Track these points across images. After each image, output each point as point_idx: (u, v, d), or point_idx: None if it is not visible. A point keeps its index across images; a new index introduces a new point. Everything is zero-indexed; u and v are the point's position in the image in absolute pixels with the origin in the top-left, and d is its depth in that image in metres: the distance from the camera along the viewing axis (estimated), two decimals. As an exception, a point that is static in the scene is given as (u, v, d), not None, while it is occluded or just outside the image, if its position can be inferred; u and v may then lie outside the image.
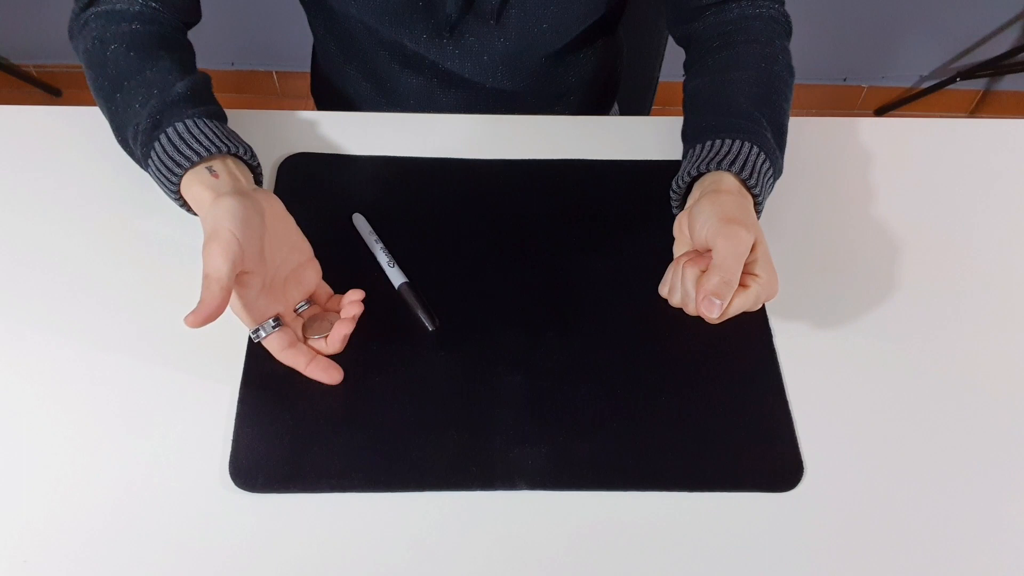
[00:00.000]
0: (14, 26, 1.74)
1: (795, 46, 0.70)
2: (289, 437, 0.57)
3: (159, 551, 0.52)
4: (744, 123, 0.62)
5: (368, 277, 0.64)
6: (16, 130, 0.73)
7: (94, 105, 0.66)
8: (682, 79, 0.71)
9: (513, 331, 0.62)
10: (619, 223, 0.69)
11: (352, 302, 0.58)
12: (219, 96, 0.64)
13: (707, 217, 0.55)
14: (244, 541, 0.53)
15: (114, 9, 0.64)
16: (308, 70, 0.98)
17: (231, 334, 0.61)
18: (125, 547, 0.52)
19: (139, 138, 0.59)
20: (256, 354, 0.59)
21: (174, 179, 0.57)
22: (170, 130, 0.58)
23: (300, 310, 0.59)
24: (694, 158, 0.61)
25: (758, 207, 0.60)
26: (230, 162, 0.59)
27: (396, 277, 0.64)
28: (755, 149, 0.60)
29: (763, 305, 0.61)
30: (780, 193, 0.70)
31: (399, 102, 0.84)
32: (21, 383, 0.58)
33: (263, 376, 0.59)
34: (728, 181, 0.58)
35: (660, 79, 1.07)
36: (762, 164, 0.60)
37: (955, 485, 0.57)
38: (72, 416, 0.57)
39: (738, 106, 0.63)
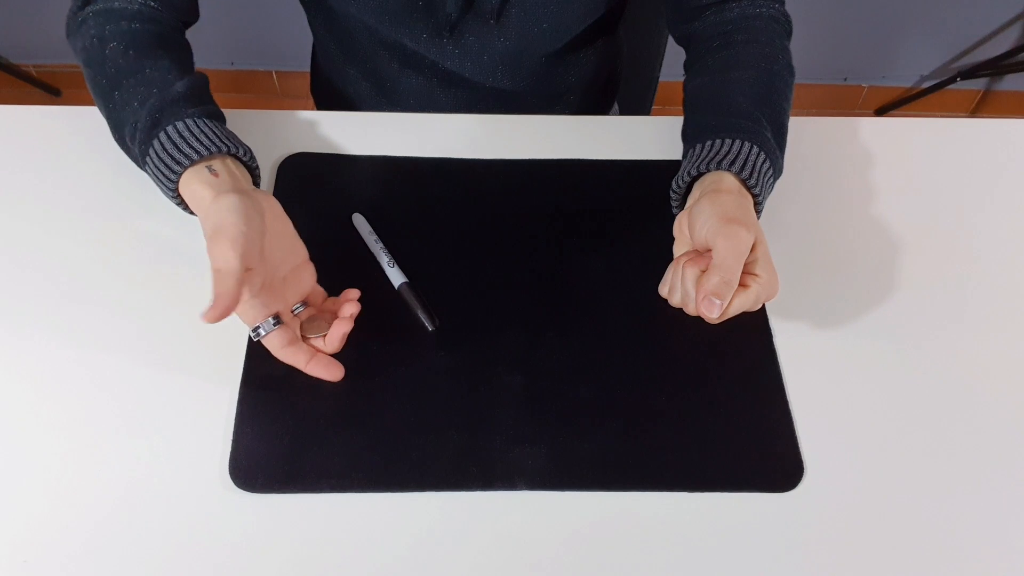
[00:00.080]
0: (13, 26, 1.74)
1: (795, 46, 0.70)
2: (289, 437, 0.57)
3: (159, 551, 0.52)
4: (744, 123, 0.61)
5: (368, 277, 0.64)
6: (15, 130, 0.73)
7: (94, 105, 0.66)
8: (682, 79, 0.71)
9: (513, 331, 0.62)
10: (619, 223, 0.69)
11: (349, 301, 0.58)
12: (218, 96, 0.64)
13: (707, 217, 0.55)
14: (244, 541, 0.53)
15: (113, 7, 0.64)
16: (308, 70, 0.98)
17: (231, 334, 0.61)
18: (125, 547, 0.52)
19: (137, 136, 0.59)
20: (256, 354, 0.59)
21: (173, 176, 0.57)
22: (170, 128, 0.58)
23: (296, 312, 0.59)
24: (694, 158, 0.61)
25: (758, 207, 0.60)
26: (230, 162, 0.59)
27: (396, 277, 0.64)
28: (755, 149, 0.60)
29: (763, 305, 0.61)
30: (780, 193, 0.70)
31: (399, 102, 0.84)
32: (20, 383, 0.58)
33: (263, 376, 0.59)
34: (728, 181, 0.58)
35: (660, 79, 1.07)
36: (762, 164, 0.59)
37: (955, 485, 0.57)
38: (72, 416, 0.57)
39: (738, 106, 0.63)
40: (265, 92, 1.90)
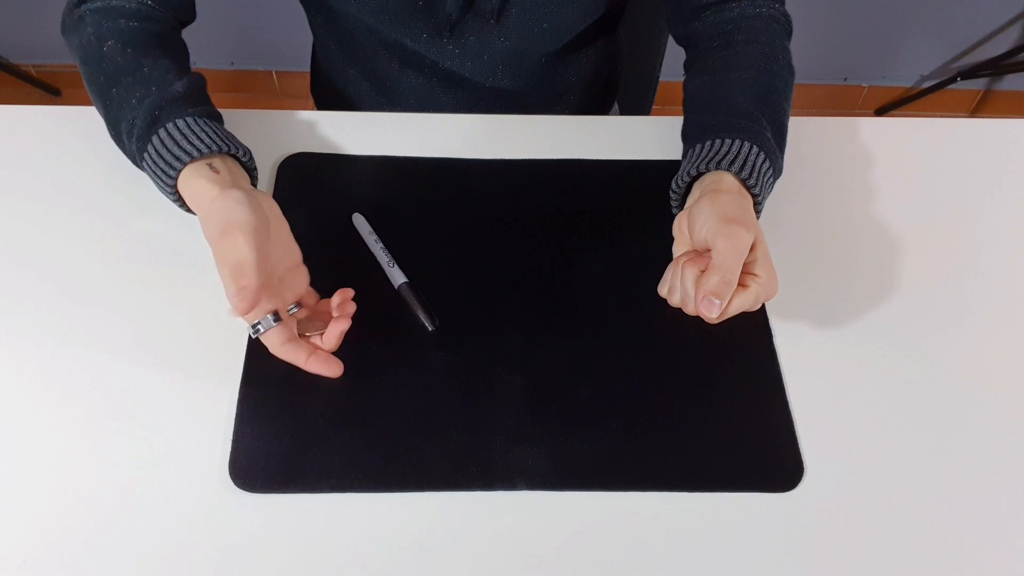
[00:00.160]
0: (13, 26, 1.74)
1: (795, 46, 0.70)
2: (289, 437, 0.57)
3: (159, 551, 0.52)
4: (744, 123, 0.61)
5: (368, 277, 0.64)
6: (15, 130, 0.73)
7: (94, 105, 0.66)
8: (682, 79, 0.71)
9: (513, 331, 0.62)
10: (619, 223, 0.69)
11: (345, 300, 0.58)
12: (218, 96, 0.64)
13: (707, 217, 0.55)
14: (244, 541, 0.53)
15: (111, 5, 0.64)
16: (308, 70, 0.98)
17: (231, 334, 0.61)
18: (124, 547, 0.52)
19: (135, 132, 0.59)
20: (256, 354, 0.59)
21: (172, 172, 0.57)
22: (169, 125, 0.58)
23: (291, 312, 0.59)
24: (694, 158, 0.61)
25: (758, 207, 0.60)
26: (229, 162, 0.59)
27: (396, 277, 0.64)
28: (755, 149, 0.60)
29: (763, 305, 0.61)
30: (780, 193, 0.70)
31: (399, 102, 0.84)
32: (20, 383, 0.58)
33: (263, 376, 0.59)
34: (728, 181, 0.58)
35: (660, 79, 1.07)
36: (762, 164, 0.59)
37: (955, 485, 0.57)
38: (71, 416, 0.57)
39: (738, 106, 0.63)
40: (265, 92, 1.90)
